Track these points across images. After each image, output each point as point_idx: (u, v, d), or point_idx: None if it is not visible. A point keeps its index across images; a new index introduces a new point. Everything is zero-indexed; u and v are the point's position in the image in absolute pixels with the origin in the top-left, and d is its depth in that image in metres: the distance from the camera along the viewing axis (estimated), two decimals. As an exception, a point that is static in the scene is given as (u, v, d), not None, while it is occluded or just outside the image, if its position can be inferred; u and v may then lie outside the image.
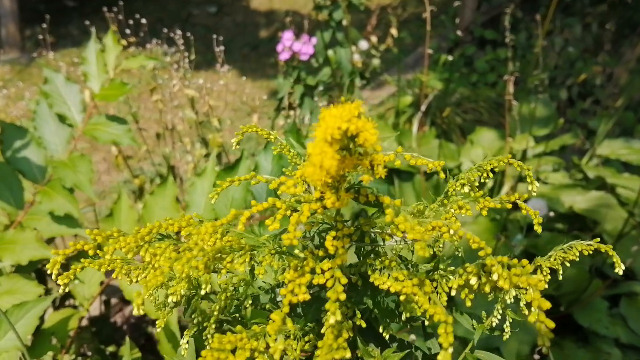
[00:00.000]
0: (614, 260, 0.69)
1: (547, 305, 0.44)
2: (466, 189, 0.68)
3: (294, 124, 1.85)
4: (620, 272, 0.68)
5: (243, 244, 0.53)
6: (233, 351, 0.48)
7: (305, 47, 2.90)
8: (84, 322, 2.01)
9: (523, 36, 4.22)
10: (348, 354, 0.46)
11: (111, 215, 1.51)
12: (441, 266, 0.57)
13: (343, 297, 0.45)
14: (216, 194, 0.61)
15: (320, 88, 2.94)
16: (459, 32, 4.29)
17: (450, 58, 3.89)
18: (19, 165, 1.57)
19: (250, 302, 0.63)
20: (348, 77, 2.94)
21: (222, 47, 2.68)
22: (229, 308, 0.63)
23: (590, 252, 0.70)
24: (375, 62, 3.35)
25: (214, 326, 0.61)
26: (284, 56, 2.95)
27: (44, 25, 2.82)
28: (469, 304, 0.52)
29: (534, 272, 0.70)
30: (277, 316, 0.46)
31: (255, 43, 6.57)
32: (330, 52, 2.85)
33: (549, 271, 0.70)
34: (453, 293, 0.53)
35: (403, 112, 3.62)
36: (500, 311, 0.71)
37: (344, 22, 2.96)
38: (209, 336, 0.60)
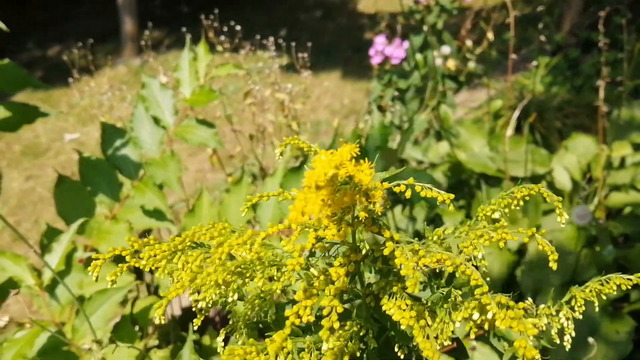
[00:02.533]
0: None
1: (535, 353, 0.45)
2: (497, 214, 0.66)
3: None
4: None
5: (263, 259, 0.56)
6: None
7: (397, 51, 2.92)
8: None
9: (633, 39, 3.97)
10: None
11: (193, 211, 1.63)
12: (452, 296, 0.58)
13: (337, 325, 0.48)
14: (246, 208, 0.66)
15: (412, 92, 2.96)
16: (562, 35, 4.12)
17: (539, 61, 3.77)
18: (117, 162, 1.73)
19: (274, 311, 0.66)
20: (440, 81, 2.93)
21: (322, 52, 2.77)
22: (258, 313, 0.67)
23: (629, 287, 0.65)
24: (471, 65, 3.31)
25: (243, 329, 0.67)
26: (375, 60, 3.00)
27: (148, 29, 3.03)
28: (472, 336, 0.54)
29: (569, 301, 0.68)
30: (279, 337, 0.49)
31: (359, 46, 6.65)
32: (418, 56, 2.86)
33: (582, 302, 0.66)
34: (457, 325, 0.54)
35: (500, 115, 3.55)
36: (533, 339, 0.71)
37: (439, 26, 2.96)
38: (237, 336, 0.66)
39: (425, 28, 2.87)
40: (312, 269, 0.58)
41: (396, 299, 0.52)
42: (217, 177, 4.30)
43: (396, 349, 0.60)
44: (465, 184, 2.75)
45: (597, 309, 0.64)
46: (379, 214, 0.53)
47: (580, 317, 0.65)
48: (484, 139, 2.95)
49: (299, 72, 2.80)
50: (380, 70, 3.05)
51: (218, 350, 0.68)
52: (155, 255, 0.61)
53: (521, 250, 2.35)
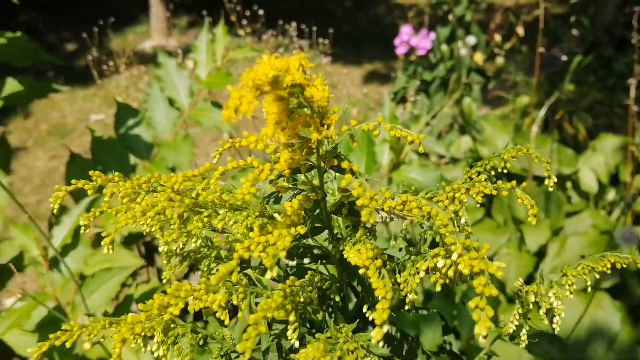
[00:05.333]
0: None
1: (494, 292, 0.41)
2: (483, 177, 0.64)
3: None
4: None
5: (224, 201, 0.54)
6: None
7: (423, 42, 2.86)
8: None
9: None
10: (292, 317, 0.49)
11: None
12: (423, 248, 0.57)
13: (283, 254, 0.46)
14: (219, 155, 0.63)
15: (436, 84, 2.89)
16: (596, 33, 4.01)
17: (572, 59, 3.67)
18: (129, 142, 1.70)
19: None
20: (465, 73, 2.87)
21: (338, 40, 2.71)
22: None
23: (625, 264, 0.64)
24: (500, 60, 3.23)
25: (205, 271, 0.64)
26: (401, 50, 2.94)
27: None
28: (438, 288, 0.51)
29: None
30: (225, 268, 0.46)
31: (386, 37, 6.57)
32: (444, 47, 2.80)
33: (574, 280, 0.65)
34: (422, 275, 0.52)
35: (527, 113, 3.47)
36: (518, 317, 0.68)
37: (467, 18, 2.88)
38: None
39: (450, 17, 2.80)
40: (275, 215, 0.57)
41: (358, 244, 0.51)
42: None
43: (364, 310, 0.59)
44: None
45: (589, 289, 0.63)
46: (334, 138, 0.51)
47: (572, 296, 0.63)
48: (508, 136, 2.88)
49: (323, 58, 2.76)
50: (406, 61, 2.99)
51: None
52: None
53: (541, 252, 2.28)
